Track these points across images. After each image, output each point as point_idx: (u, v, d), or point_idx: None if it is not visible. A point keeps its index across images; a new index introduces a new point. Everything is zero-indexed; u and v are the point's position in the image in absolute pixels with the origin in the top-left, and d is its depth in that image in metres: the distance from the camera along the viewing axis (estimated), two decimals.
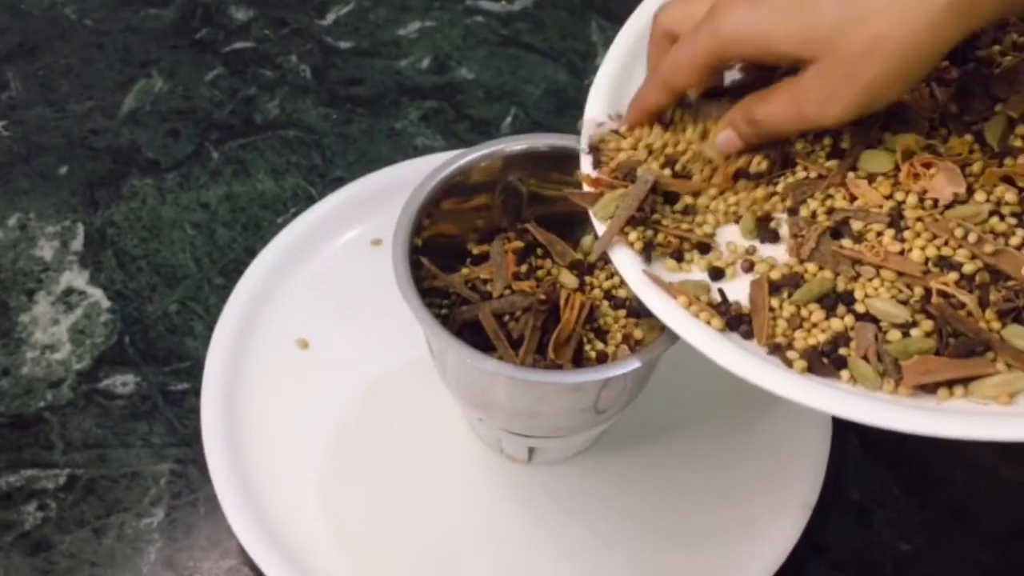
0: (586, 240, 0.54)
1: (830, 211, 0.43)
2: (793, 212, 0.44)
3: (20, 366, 0.61)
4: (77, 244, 0.67)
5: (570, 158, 0.50)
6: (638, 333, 0.50)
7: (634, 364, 0.45)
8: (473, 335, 0.50)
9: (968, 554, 0.56)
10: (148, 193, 0.69)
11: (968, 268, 0.41)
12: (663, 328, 0.44)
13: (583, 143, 0.48)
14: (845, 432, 0.59)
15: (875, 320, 0.41)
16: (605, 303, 0.51)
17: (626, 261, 0.44)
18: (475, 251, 0.54)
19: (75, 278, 0.65)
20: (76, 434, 0.59)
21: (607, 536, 0.55)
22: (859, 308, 0.41)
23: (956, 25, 0.38)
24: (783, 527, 0.54)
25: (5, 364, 0.61)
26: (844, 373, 0.40)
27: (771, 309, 0.42)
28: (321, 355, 0.61)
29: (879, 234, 0.42)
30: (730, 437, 0.58)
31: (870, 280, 0.42)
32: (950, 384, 0.39)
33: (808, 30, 0.39)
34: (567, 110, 0.74)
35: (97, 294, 0.64)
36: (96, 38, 0.77)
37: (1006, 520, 0.57)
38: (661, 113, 0.47)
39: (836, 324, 0.41)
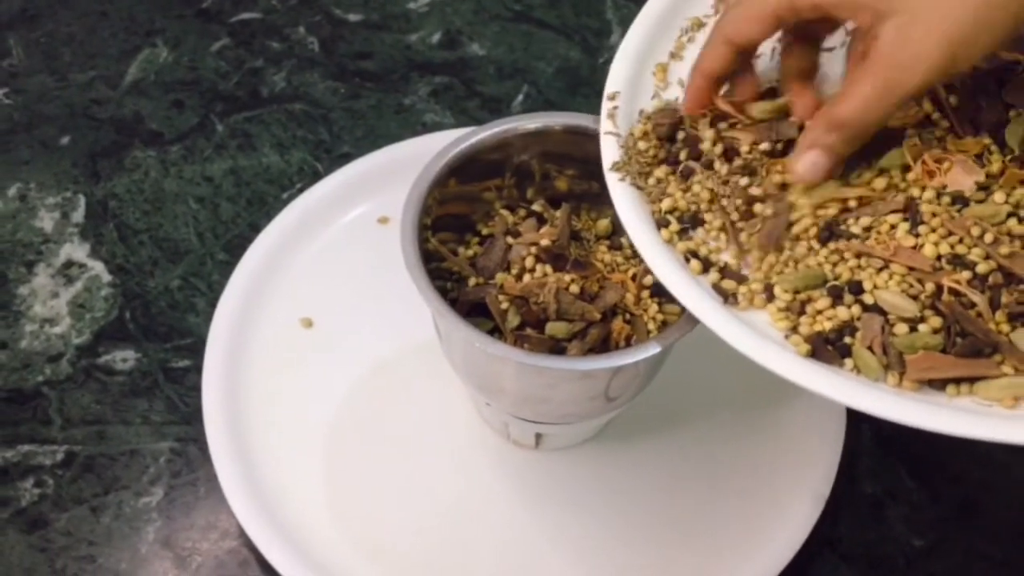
0: (601, 222, 0.53)
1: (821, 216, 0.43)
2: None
3: (18, 339, 0.60)
4: (78, 216, 0.65)
5: (584, 138, 0.48)
6: (653, 325, 0.49)
7: (646, 352, 0.44)
8: (482, 317, 0.49)
9: (981, 550, 0.55)
10: (151, 165, 0.68)
11: (982, 268, 0.40)
12: (680, 314, 0.43)
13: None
14: (859, 424, 0.58)
15: (883, 312, 0.40)
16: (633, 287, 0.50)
17: (639, 231, 0.43)
18: (484, 231, 0.53)
19: (75, 250, 0.64)
20: (75, 410, 0.58)
21: (615, 525, 0.54)
22: (867, 299, 0.41)
23: None
24: (795, 519, 0.53)
25: (3, 337, 0.60)
26: (848, 362, 0.40)
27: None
28: (325, 334, 0.60)
29: (892, 227, 0.41)
30: (742, 427, 0.57)
31: (879, 272, 0.41)
32: (957, 382, 0.39)
33: None
34: (580, 88, 0.72)
35: (98, 267, 0.63)
36: (100, 6, 0.76)
37: (1020, 517, 0.57)
38: (724, 78, 0.44)
39: (843, 313, 0.41)
